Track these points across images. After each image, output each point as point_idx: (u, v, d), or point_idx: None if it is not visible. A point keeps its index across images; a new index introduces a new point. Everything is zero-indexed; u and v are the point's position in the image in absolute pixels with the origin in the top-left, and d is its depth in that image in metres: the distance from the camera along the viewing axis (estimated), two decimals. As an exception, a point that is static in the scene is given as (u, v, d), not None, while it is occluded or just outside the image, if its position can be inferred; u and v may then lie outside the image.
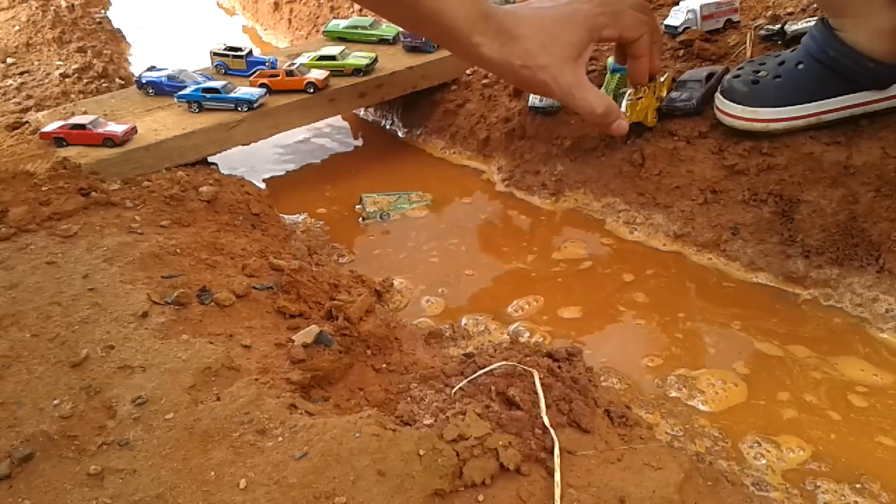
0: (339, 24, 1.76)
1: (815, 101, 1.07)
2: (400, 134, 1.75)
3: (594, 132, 1.36)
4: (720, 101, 1.15)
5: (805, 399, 0.90)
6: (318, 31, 2.20)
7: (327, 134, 1.79)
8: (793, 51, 1.12)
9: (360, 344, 0.95)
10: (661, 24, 1.44)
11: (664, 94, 1.25)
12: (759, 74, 1.11)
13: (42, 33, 2.16)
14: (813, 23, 1.25)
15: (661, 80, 1.26)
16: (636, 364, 0.99)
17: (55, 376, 0.79)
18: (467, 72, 1.61)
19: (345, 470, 0.66)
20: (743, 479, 0.79)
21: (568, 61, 0.82)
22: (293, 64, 1.51)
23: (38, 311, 0.88)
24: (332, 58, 1.54)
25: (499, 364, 0.83)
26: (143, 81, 1.53)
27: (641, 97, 1.20)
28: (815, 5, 1.36)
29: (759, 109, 1.10)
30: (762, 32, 1.33)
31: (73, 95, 1.73)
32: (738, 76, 1.13)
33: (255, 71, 1.51)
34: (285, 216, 1.39)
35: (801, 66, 1.08)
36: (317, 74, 1.48)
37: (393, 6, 0.80)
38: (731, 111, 1.12)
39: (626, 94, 1.18)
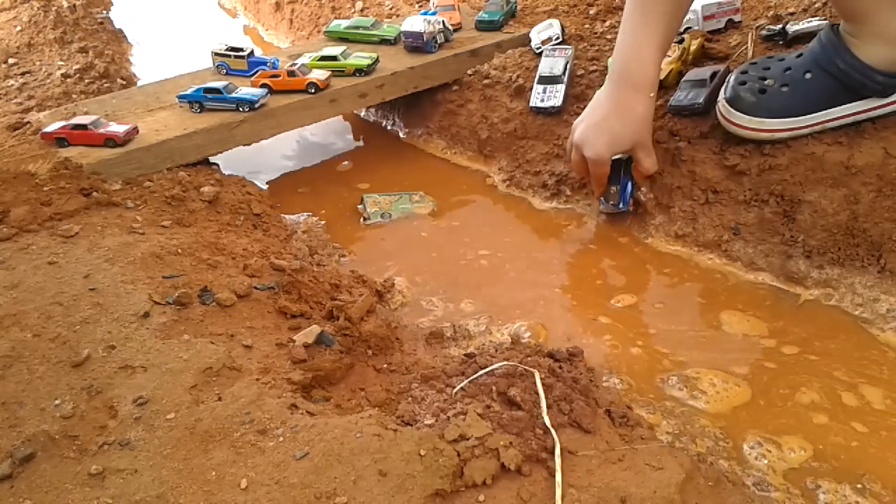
0: (341, 24, 1.76)
1: (822, 110, 1.07)
2: (401, 134, 1.75)
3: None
4: (727, 110, 1.13)
5: (806, 399, 0.90)
6: (319, 32, 2.20)
7: (329, 134, 1.79)
8: (798, 56, 1.11)
9: (362, 344, 0.95)
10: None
11: (690, 59, 1.33)
12: (766, 83, 1.11)
13: (44, 34, 2.16)
14: (815, 23, 1.26)
15: (693, 47, 1.32)
16: (637, 364, 0.99)
17: (56, 376, 0.79)
18: (468, 72, 1.61)
19: (346, 470, 0.66)
20: (744, 479, 0.79)
21: None
22: (295, 64, 1.51)
23: (40, 311, 0.88)
24: (334, 58, 1.54)
25: (500, 364, 0.83)
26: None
27: (670, 56, 1.26)
28: (816, 5, 1.35)
29: (765, 120, 1.10)
30: (764, 32, 1.33)
31: (74, 96, 1.73)
32: (743, 83, 1.12)
33: (257, 71, 1.51)
34: (286, 216, 1.40)
35: (808, 76, 1.08)
36: (318, 75, 1.48)
37: None
38: (737, 121, 1.12)
39: None
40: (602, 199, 1.29)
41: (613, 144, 1.18)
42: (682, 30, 1.43)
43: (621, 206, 1.26)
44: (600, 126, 1.18)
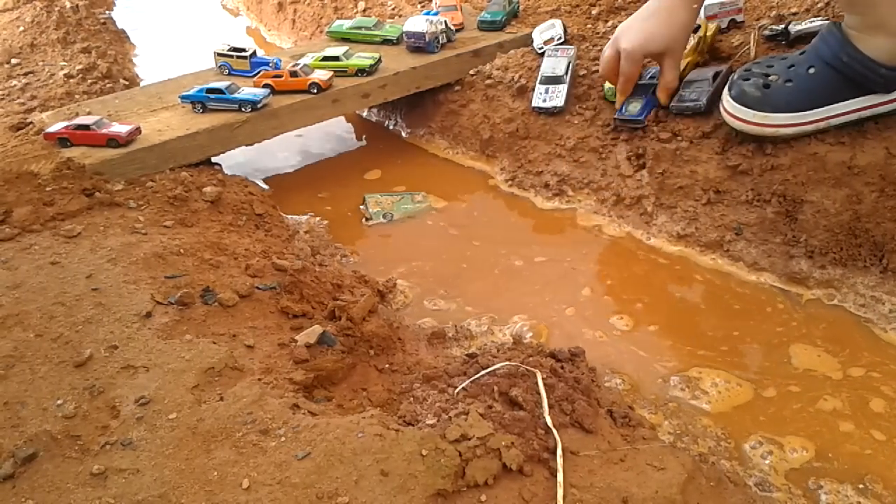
0: (343, 24, 1.76)
1: (826, 105, 1.07)
2: (403, 134, 1.76)
3: (597, 132, 1.36)
4: (730, 104, 1.13)
5: (808, 399, 0.90)
6: (321, 32, 2.20)
7: (331, 134, 1.80)
8: (801, 53, 1.11)
9: (363, 344, 0.95)
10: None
11: (706, 47, 1.36)
12: (770, 78, 1.10)
13: (46, 34, 2.17)
14: (817, 23, 1.26)
15: (709, 32, 1.35)
16: (639, 364, 0.98)
17: (59, 376, 0.79)
18: (470, 72, 1.61)
19: (347, 470, 0.67)
20: (746, 479, 0.79)
21: None
22: (297, 64, 1.51)
23: (42, 311, 0.89)
24: (336, 58, 1.54)
25: (501, 364, 0.83)
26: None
27: (686, 48, 1.29)
28: (819, 5, 1.35)
29: (770, 115, 1.10)
30: (766, 33, 1.33)
31: (77, 96, 1.74)
32: (747, 79, 1.12)
33: (259, 71, 1.52)
34: (288, 216, 1.40)
35: (812, 71, 1.08)
36: (320, 75, 1.48)
37: None
38: (742, 115, 1.12)
39: None
40: (622, 108, 1.32)
41: (648, 42, 1.24)
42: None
43: (639, 114, 1.30)
44: (642, 23, 1.25)
